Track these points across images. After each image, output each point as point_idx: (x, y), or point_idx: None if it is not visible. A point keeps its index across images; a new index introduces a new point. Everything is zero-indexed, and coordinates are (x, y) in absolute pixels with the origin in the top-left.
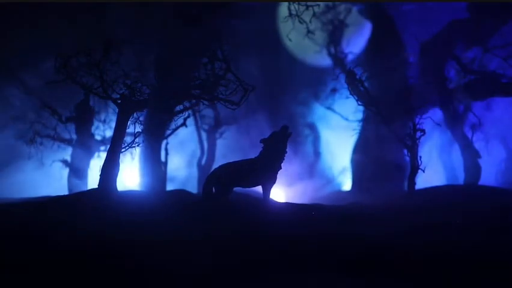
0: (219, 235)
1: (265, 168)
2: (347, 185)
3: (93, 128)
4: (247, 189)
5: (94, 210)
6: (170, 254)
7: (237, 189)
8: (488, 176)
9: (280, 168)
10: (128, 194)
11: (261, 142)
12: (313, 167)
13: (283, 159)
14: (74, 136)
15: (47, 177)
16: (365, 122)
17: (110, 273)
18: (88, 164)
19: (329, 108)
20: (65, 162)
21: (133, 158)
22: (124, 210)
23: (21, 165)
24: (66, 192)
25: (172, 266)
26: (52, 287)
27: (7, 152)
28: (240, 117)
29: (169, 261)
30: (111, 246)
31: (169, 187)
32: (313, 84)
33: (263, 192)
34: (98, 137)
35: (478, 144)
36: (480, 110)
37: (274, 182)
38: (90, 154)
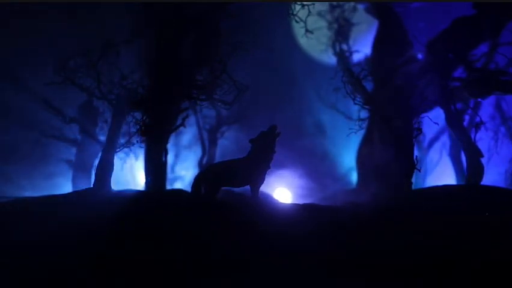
0: (206, 233)
1: (253, 168)
2: (352, 184)
3: (97, 129)
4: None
5: (87, 209)
6: (164, 252)
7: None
8: (497, 176)
9: (269, 168)
10: (123, 193)
11: (249, 142)
12: (318, 166)
13: (272, 159)
14: (79, 136)
15: (51, 176)
16: (369, 121)
17: (103, 271)
18: (92, 164)
19: (333, 107)
20: (69, 162)
21: (136, 159)
22: (117, 209)
23: (25, 165)
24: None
25: (165, 264)
26: (46, 284)
27: (10, 152)
28: (242, 117)
29: (162, 260)
30: (103, 244)
31: (177, 187)
32: (317, 83)
33: (251, 191)
34: (101, 137)
35: (487, 143)
36: (489, 108)
37: (262, 182)
38: (94, 154)
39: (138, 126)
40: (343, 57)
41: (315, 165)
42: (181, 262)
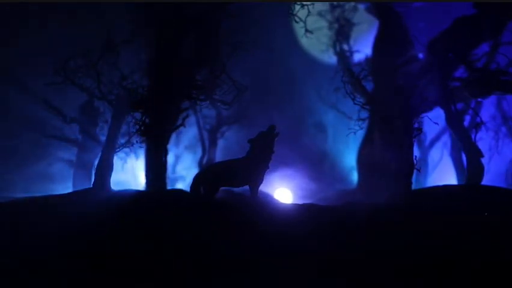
0: (206, 233)
1: (252, 168)
2: (353, 184)
3: (98, 129)
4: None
5: (87, 209)
6: (164, 252)
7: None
8: (497, 176)
9: (268, 168)
10: (123, 193)
11: (248, 142)
12: (319, 166)
13: (271, 159)
14: (79, 136)
15: (51, 176)
16: (369, 121)
17: (103, 271)
18: (92, 164)
19: (333, 107)
20: (70, 162)
21: (137, 159)
22: (117, 209)
23: (25, 165)
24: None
25: (165, 264)
26: (46, 284)
27: (11, 153)
28: (242, 117)
29: (162, 260)
30: (103, 244)
31: (179, 187)
32: (318, 82)
33: (250, 191)
34: (102, 138)
35: (488, 143)
36: (490, 108)
37: (261, 182)
38: (94, 154)
39: (138, 126)
40: (343, 57)
41: (316, 165)
42: (181, 262)
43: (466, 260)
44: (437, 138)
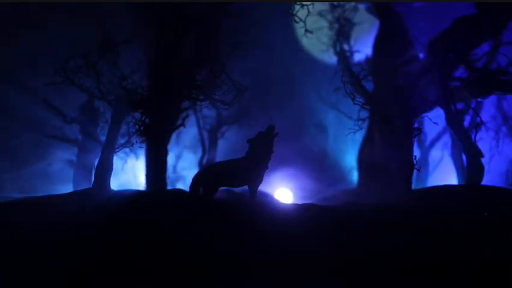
0: (206, 233)
1: (252, 168)
2: (353, 184)
3: (98, 129)
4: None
5: (87, 209)
6: (164, 252)
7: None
8: (497, 176)
9: (268, 168)
10: (123, 193)
11: (247, 142)
12: (320, 166)
13: (270, 159)
14: (79, 137)
15: (53, 177)
16: (369, 121)
17: (102, 271)
18: (92, 164)
19: (334, 107)
20: (70, 162)
21: (137, 159)
22: (117, 209)
23: (25, 165)
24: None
25: (165, 264)
26: (45, 284)
27: (13, 152)
28: (242, 117)
29: (162, 260)
30: (103, 244)
31: (179, 187)
32: (318, 82)
33: (249, 191)
34: (102, 137)
35: (488, 143)
36: (490, 108)
37: (260, 182)
38: (94, 154)
39: (138, 126)
40: (343, 57)
41: (316, 165)
42: (181, 262)
43: (466, 260)
44: (437, 138)
